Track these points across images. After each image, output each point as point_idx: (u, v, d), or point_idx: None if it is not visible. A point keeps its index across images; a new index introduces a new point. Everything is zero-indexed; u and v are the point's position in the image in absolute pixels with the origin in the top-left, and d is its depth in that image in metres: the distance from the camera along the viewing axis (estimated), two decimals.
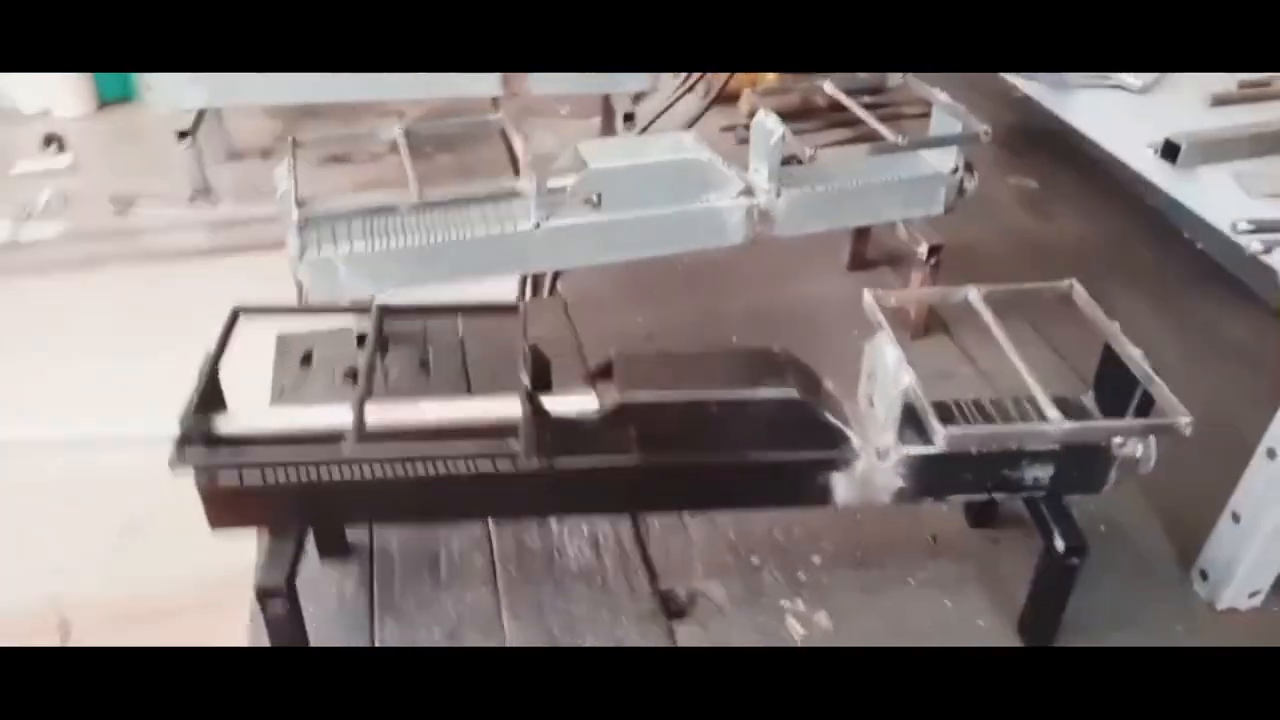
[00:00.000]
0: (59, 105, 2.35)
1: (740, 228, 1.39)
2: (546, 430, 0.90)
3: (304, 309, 1.04)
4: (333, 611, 1.11)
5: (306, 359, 1.48)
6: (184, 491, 0.90)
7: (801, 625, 1.10)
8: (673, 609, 1.12)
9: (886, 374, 0.95)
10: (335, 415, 0.90)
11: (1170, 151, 1.05)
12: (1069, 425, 0.90)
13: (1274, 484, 1.03)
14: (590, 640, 1.07)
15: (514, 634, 1.08)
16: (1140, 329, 1.55)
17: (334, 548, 1.16)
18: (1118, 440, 0.98)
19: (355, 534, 1.19)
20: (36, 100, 2.32)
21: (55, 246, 1.56)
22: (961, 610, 1.12)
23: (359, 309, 1.00)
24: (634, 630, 1.08)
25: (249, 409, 0.94)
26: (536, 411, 0.89)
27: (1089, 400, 1.03)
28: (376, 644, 1.06)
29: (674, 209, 1.34)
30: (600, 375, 0.94)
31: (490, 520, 1.19)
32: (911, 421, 0.94)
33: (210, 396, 0.91)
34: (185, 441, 0.84)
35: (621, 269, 1.71)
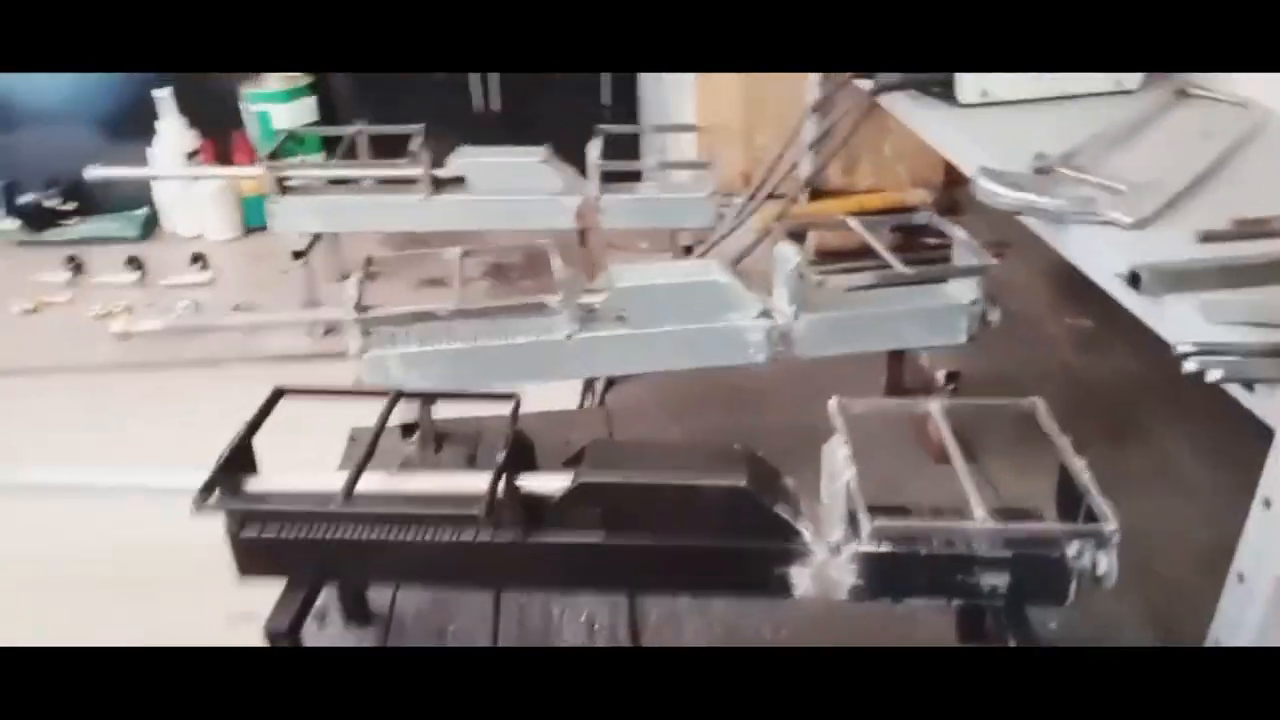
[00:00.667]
0: (210, 230, 2.71)
1: (762, 346, 1.49)
2: (515, 504, 1.01)
3: (340, 391, 1.20)
4: None
5: (369, 458, 1.65)
6: None
7: None
8: None
9: (836, 470, 1.02)
10: (342, 483, 1.04)
11: (1134, 280, 1.10)
12: (989, 525, 0.94)
13: (1246, 610, 1.02)
14: None
15: None
16: (1175, 467, 1.57)
17: (357, 614, 1.29)
18: (1071, 552, 1.01)
19: (378, 603, 1.31)
20: (192, 226, 2.68)
21: (180, 340, 1.83)
22: None
23: (378, 393, 1.15)
24: None
25: (274, 474, 1.09)
26: (508, 487, 1.01)
27: (1050, 515, 1.06)
28: None
29: (696, 326, 1.46)
30: (575, 460, 1.05)
31: (498, 602, 1.30)
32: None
33: (241, 460, 1.07)
34: (208, 490, 0.99)
35: (669, 385, 1.84)
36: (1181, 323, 1.07)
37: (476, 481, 1.04)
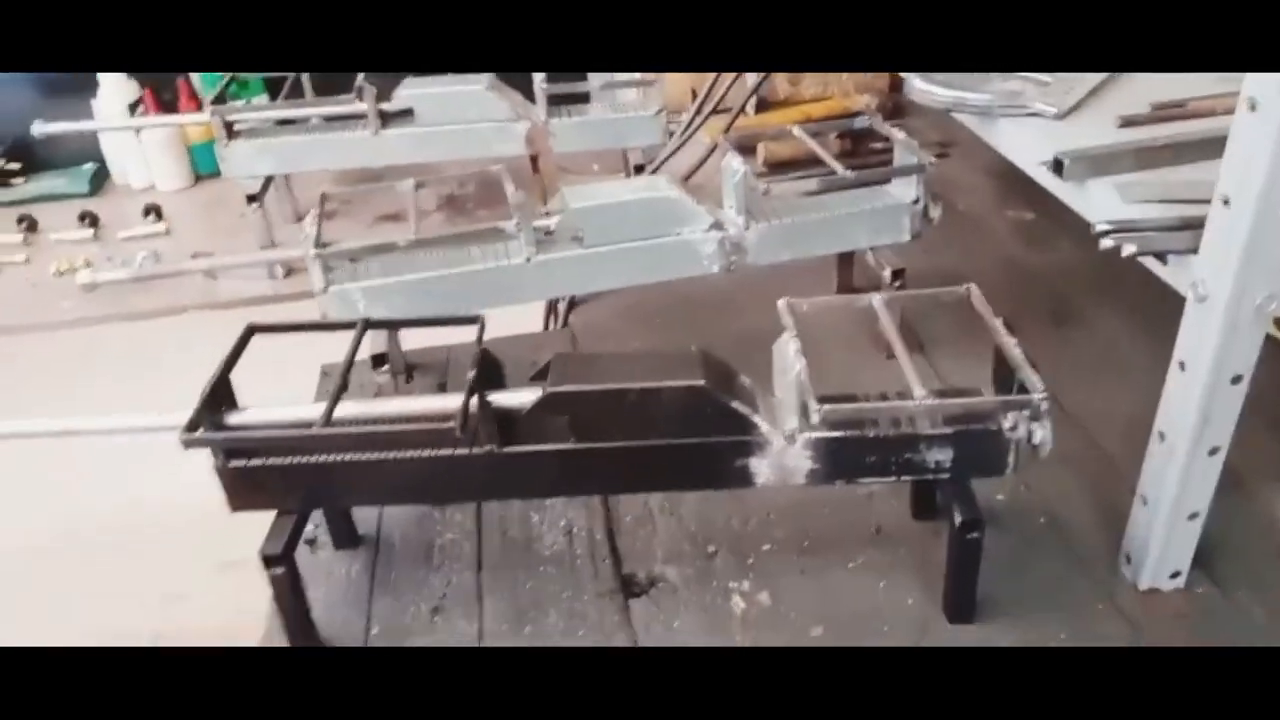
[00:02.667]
0: (160, 180, 2.70)
1: (715, 257, 1.54)
2: (488, 418, 1.07)
3: (311, 325, 1.24)
4: (339, 590, 1.29)
5: (345, 386, 1.70)
6: None
7: (744, 602, 1.23)
8: (633, 590, 1.26)
9: (786, 365, 1.08)
10: (321, 411, 1.09)
11: (1057, 167, 1.17)
12: (930, 402, 1.02)
13: (1166, 465, 1.11)
14: (553, 614, 1.22)
15: (489, 607, 1.24)
16: (1114, 344, 1.65)
17: (346, 539, 1.35)
18: (1008, 424, 1.09)
19: (366, 527, 1.37)
20: (142, 177, 2.67)
21: (141, 291, 1.86)
22: (893, 590, 1.23)
23: (346, 325, 1.19)
24: (592, 606, 1.23)
25: (255, 408, 1.14)
26: (480, 403, 1.07)
27: (987, 393, 1.14)
28: (370, 614, 1.24)
29: (650, 242, 1.51)
30: (541, 375, 1.11)
31: (479, 516, 1.37)
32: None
33: (222, 396, 1.12)
34: (194, 425, 1.04)
35: (629, 302, 1.89)
36: (1101, 204, 1.14)
37: (449, 402, 1.09)
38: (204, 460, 1.11)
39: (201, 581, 2.12)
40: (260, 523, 1.14)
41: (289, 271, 2.34)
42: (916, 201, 1.57)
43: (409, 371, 1.74)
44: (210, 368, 1.12)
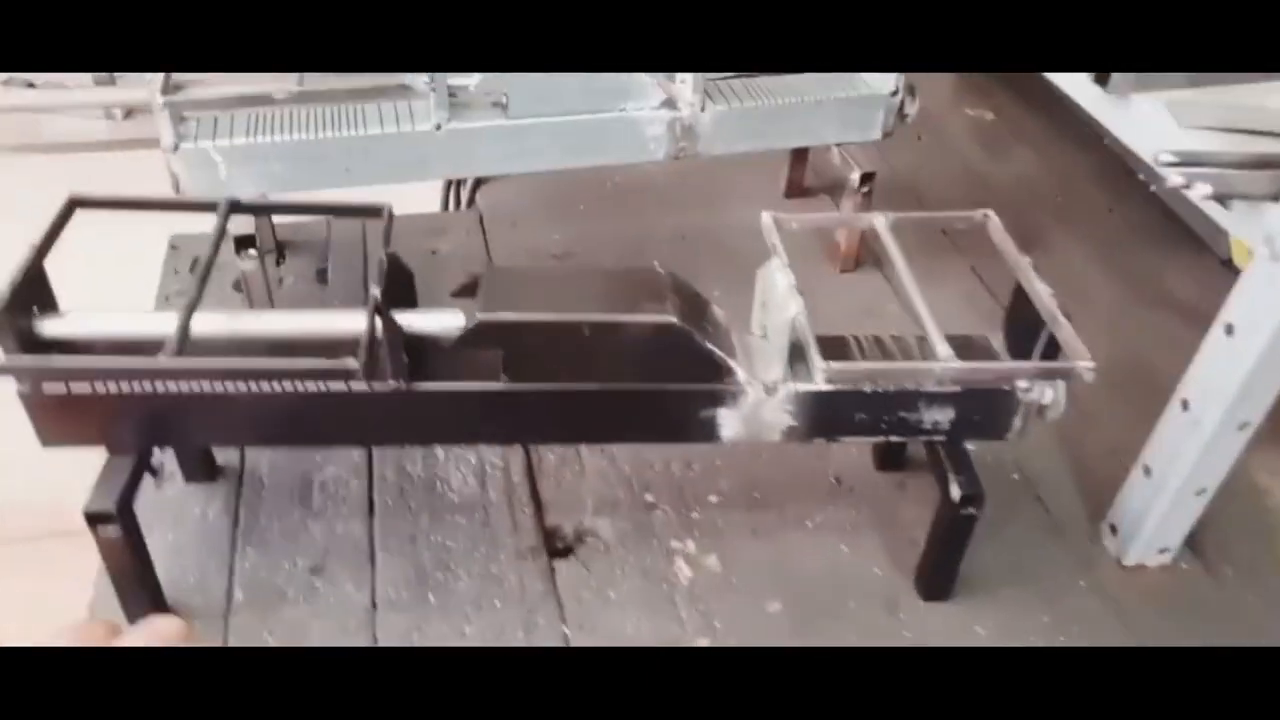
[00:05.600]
0: None
1: (662, 142, 1.29)
2: (397, 348, 0.82)
3: (156, 203, 0.94)
4: (193, 536, 1.04)
5: (195, 264, 1.39)
6: None
7: (690, 568, 1.05)
8: (557, 547, 1.06)
9: (776, 302, 0.87)
10: (172, 324, 0.82)
11: (1101, 76, 0.97)
12: (957, 365, 0.83)
13: (1186, 437, 0.97)
14: (463, 577, 1.01)
15: (384, 567, 1.02)
16: (1077, 273, 1.51)
17: (200, 471, 1.09)
18: (1022, 384, 0.92)
19: (225, 456, 1.11)
20: None
21: None
22: (857, 556, 1.07)
23: (202, 205, 0.91)
24: (511, 568, 1.02)
25: (81, 313, 0.86)
26: (388, 327, 0.82)
27: (997, 341, 0.96)
28: (234, 573, 1.00)
29: (588, 117, 1.25)
30: (465, 292, 0.86)
31: (370, 448, 1.13)
32: (803, 356, 0.87)
33: (34, 295, 0.83)
34: None
35: (546, 185, 1.63)
36: (1151, 128, 0.95)
37: (343, 321, 0.84)
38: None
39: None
40: None
41: (129, 111, 1.94)
42: (895, 94, 1.36)
43: (280, 251, 1.45)
44: (21, 234, 0.83)
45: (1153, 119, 0.96)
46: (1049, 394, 0.94)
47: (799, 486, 1.13)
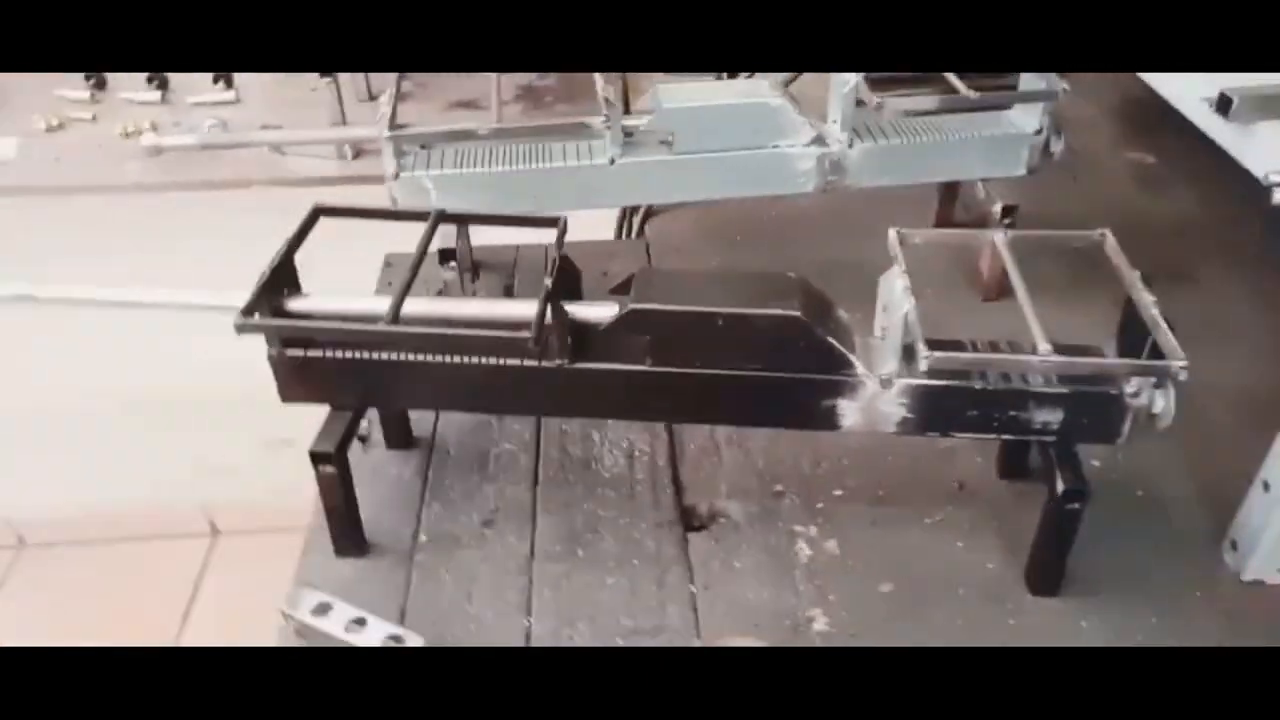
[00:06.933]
0: None
1: (812, 175, 1.43)
2: (563, 331, 0.99)
3: (382, 213, 1.16)
4: (390, 491, 1.24)
5: (413, 281, 1.63)
6: None
7: (810, 548, 1.15)
8: (692, 523, 1.20)
9: (893, 303, 0.99)
10: (387, 306, 1.02)
11: (1224, 105, 1.03)
12: (1055, 359, 0.92)
13: None
14: (609, 539, 1.16)
15: (543, 525, 1.18)
16: (1227, 308, 1.52)
17: (400, 440, 1.29)
18: (1129, 389, 0.98)
19: (421, 429, 1.31)
20: None
21: (207, 161, 1.79)
22: (971, 553, 1.14)
23: (418, 215, 1.11)
24: (650, 536, 1.16)
25: (319, 294, 1.07)
26: (555, 313, 0.98)
27: (1109, 350, 1.03)
28: (420, 521, 1.19)
29: (744, 152, 1.40)
30: (622, 289, 1.02)
31: (539, 429, 1.30)
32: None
33: (283, 279, 1.05)
34: (251, 309, 0.97)
35: (707, 217, 1.79)
36: (1270, 151, 1.01)
37: (521, 308, 1.01)
38: (260, 340, 1.05)
39: (250, 456, 2.10)
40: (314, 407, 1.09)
41: (358, 153, 2.26)
42: (1039, 132, 1.44)
43: (475, 269, 1.67)
44: (272, 246, 1.06)
45: (1275, 143, 1.01)
46: (1160, 402, 1.00)
47: (922, 487, 1.22)
